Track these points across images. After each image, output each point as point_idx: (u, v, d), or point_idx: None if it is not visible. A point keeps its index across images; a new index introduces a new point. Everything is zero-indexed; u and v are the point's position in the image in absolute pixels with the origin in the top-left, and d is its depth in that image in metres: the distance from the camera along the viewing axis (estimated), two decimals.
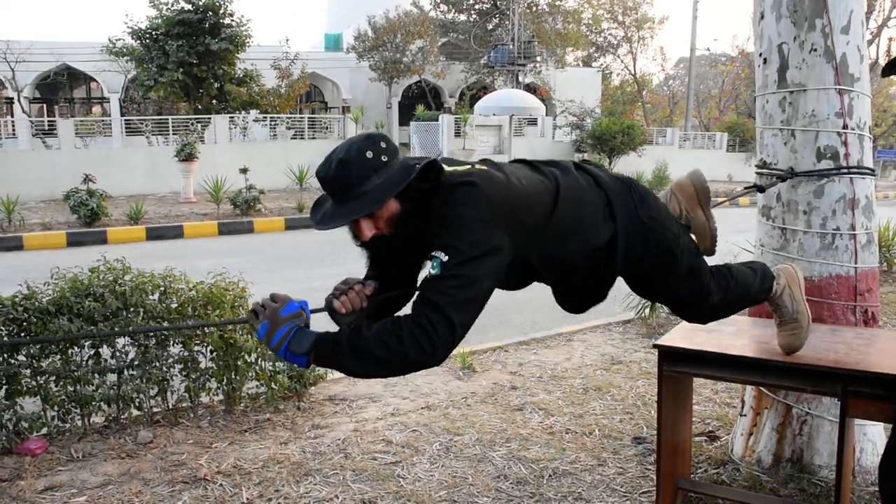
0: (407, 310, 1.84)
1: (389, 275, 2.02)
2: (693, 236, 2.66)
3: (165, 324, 3.95)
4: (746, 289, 2.53)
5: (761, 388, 3.32)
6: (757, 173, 3.40)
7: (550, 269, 2.13)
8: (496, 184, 1.87)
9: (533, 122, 24.19)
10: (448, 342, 1.72)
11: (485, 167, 1.96)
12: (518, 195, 1.91)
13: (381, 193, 1.76)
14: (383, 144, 1.82)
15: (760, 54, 3.29)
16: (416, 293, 1.78)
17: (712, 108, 41.53)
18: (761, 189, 3.28)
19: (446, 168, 1.90)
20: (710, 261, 2.54)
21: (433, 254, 1.76)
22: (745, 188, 3.36)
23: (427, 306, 1.72)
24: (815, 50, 3.06)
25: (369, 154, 1.78)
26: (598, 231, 2.12)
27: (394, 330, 1.71)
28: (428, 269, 1.76)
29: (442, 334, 1.71)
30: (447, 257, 1.73)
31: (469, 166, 1.94)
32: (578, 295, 2.33)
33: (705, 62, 40.54)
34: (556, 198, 2.02)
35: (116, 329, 3.81)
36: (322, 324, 1.95)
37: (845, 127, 3.07)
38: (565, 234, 2.05)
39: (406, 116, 30.66)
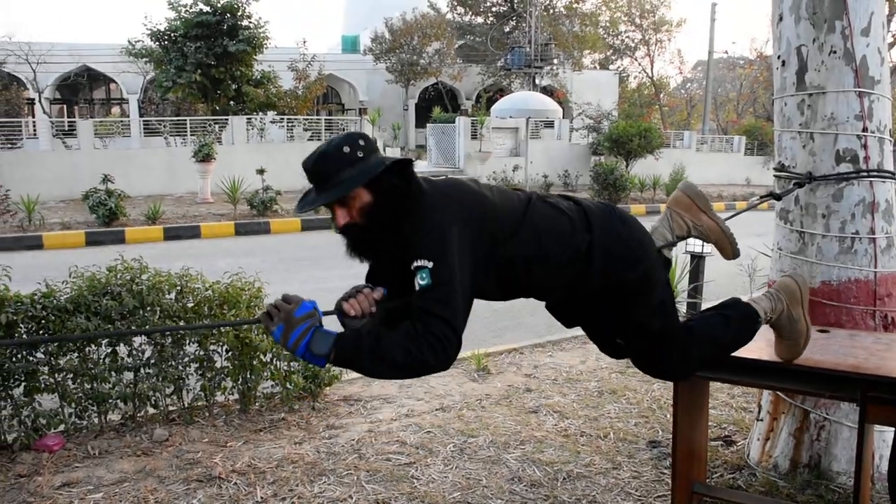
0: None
1: (391, 285, 2.10)
2: (716, 248, 2.65)
3: (182, 323, 3.97)
4: (717, 338, 2.48)
5: (778, 392, 3.30)
6: (775, 176, 3.38)
7: (530, 275, 2.15)
8: (467, 190, 2.06)
9: (550, 124, 24.12)
10: (457, 348, 1.91)
11: (458, 178, 2.16)
12: (489, 201, 2.07)
13: (352, 182, 1.93)
14: (361, 142, 1.98)
15: (779, 56, 3.27)
16: (417, 303, 1.90)
17: (730, 111, 41.31)
18: (777, 197, 3.24)
19: (424, 176, 2.07)
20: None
21: (417, 263, 1.89)
22: (761, 197, 3.33)
23: (434, 318, 1.87)
24: (835, 52, 3.03)
25: (346, 149, 1.95)
26: (574, 238, 2.16)
27: (413, 337, 1.86)
28: (416, 280, 1.89)
29: (453, 343, 1.88)
30: (431, 264, 1.88)
31: (445, 176, 2.09)
32: (566, 310, 2.40)
33: (723, 65, 40.32)
34: (527, 204, 2.17)
35: (133, 328, 3.84)
36: (328, 324, 1.96)
37: (865, 130, 3.04)
38: (540, 234, 2.12)
39: (423, 118, 30.71)
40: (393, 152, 27.75)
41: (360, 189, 1.94)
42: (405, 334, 1.87)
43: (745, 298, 2.61)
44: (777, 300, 2.57)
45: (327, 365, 1.90)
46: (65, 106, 31.99)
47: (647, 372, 2.54)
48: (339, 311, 1.99)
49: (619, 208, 2.36)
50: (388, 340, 1.86)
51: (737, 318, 2.51)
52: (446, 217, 1.94)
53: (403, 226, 1.97)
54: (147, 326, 3.88)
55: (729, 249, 2.63)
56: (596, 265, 2.17)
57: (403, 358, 1.85)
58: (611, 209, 2.32)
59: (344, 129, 20.70)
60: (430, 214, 1.94)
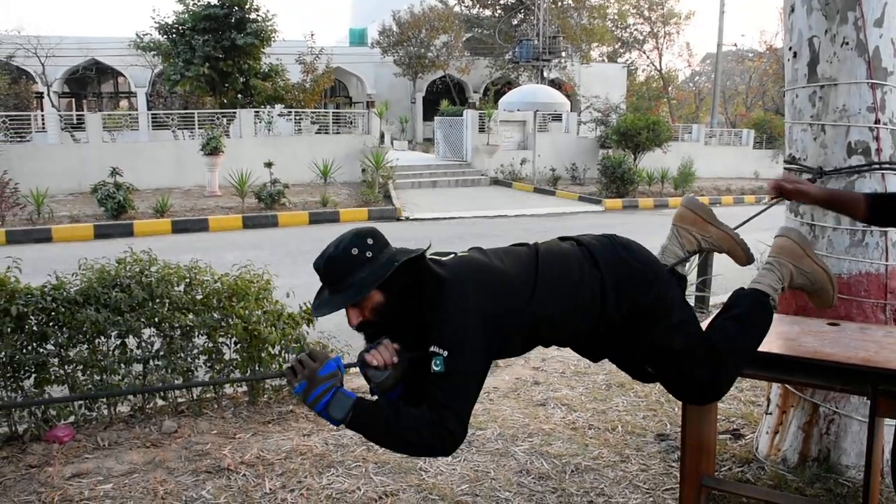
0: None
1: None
2: (729, 256, 2.64)
3: (191, 316, 3.98)
4: (738, 345, 2.41)
5: (787, 386, 3.28)
6: (786, 169, 3.35)
7: (553, 332, 2.18)
8: (482, 271, 2.06)
9: (557, 117, 24.02)
10: (462, 438, 1.98)
11: (467, 253, 2.17)
12: (500, 272, 2.09)
13: (362, 287, 1.95)
14: (370, 241, 2.00)
15: (790, 48, 3.24)
16: (431, 388, 1.95)
17: (739, 104, 41.10)
18: (790, 198, 3.21)
19: (433, 257, 2.10)
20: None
21: (433, 349, 1.93)
22: (771, 198, 3.30)
23: (447, 411, 1.93)
24: (847, 43, 3.01)
25: (354, 251, 1.97)
26: (584, 282, 2.17)
27: (428, 424, 1.93)
28: (432, 364, 1.93)
29: (460, 437, 1.96)
30: (446, 352, 1.92)
31: (453, 255, 2.14)
32: (591, 349, 2.40)
33: (732, 58, 40.08)
34: (535, 260, 2.17)
35: (142, 320, 3.85)
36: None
37: (877, 122, 3.01)
38: (556, 290, 2.13)
39: (430, 111, 30.68)
40: (401, 145, 27.79)
41: (371, 291, 1.97)
42: (421, 420, 1.93)
43: (746, 284, 2.58)
44: (780, 266, 2.56)
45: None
46: (73, 99, 32.06)
47: (684, 399, 2.53)
48: (361, 362, 2.01)
49: (619, 236, 2.36)
50: (407, 421, 1.93)
51: (748, 314, 2.47)
52: (463, 308, 1.96)
53: (423, 313, 2.00)
54: (156, 319, 3.89)
55: (742, 255, 2.63)
56: (610, 300, 2.17)
57: (416, 440, 1.94)
58: (611, 239, 2.32)
59: (352, 123, 20.67)
60: (448, 304, 1.96)
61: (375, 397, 2.05)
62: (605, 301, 2.17)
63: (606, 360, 2.51)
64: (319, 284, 2.07)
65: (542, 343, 2.24)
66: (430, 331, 1.98)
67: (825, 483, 3.13)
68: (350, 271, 1.95)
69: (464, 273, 2.04)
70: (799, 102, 3.22)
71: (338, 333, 4.35)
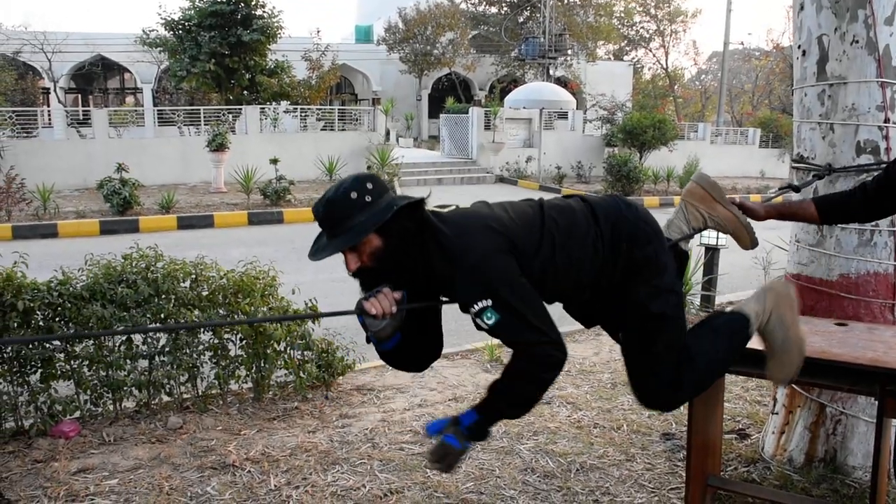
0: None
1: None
2: (733, 238, 2.62)
3: (196, 312, 3.98)
4: (709, 353, 2.32)
5: (794, 385, 3.27)
6: (794, 167, 3.34)
7: (559, 282, 2.17)
8: (486, 219, 2.08)
9: (563, 115, 23.99)
10: (562, 350, 2.01)
11: (469, 206, 2.18)
12: (508, 224, 2.09)
13: (361, 229, 1.95)
14: (369, 185, 2.00)
15: (799, 46, 3.23)
16: (505, 341, 2.05)
17: (745, 103, 40.94)
18: (796, 189, 3.20)
19: (434, 209, 2.11)
20: None
21: (475, 308, 1.95)
22: (780, 188, 3.29)
23: (530, 347, 1.98)
24: (857, 41, 2.99)
25: (353, 195, 1.97)
26: (589, 234, 2.18)
27: (528, 372, 2.00)
28: (482, 322, 1.96)
29: (557, 351, 2.00)
30: (490, 301, 1.94)
31: (455, 206, 2.16)
32: (586, 310, 2.41)
33: (739, 56, 39.98)
34: (541, 213, 2.19)
35: (148, 316, 3.85)
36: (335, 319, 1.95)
37: (887, 121, 2.99)
38: (561, 240, 2.14)
39: (436, 109, 30.66)
40: (406, 142, 27.75)
41: (370, 234, 1.97)
42: (521, 371, 2.00)
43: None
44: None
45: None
46: (79, 95, 32.12)
47: (638, 388, 2.34)
48: (360, 310, 2.01)
49: (625, 197, 2.36)
50: (515, 383, 2.01)
51: (725, 327, 2.37)
52: (478, 257, 1.97)
53: (424, 261, 2.02)
54: (162, 315, 3.89)
55: (746, 239, 2.59)
56: (610, 252, 2.17)
57: (533, 388, 2.02)
58: (615, 197, 2.33)
59: (357, 120, 20.67)
60: (460, 260, 1.97)
61: (385, 345, 2.11)
62: (605, 254, 2.18)
63: (611, 353, 2.50)
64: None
65: (550, 297, 2.22)
66: (453, 290, 2.03)
67: (831, 484, 3.12)
68: (349, 215, 1.96)
69: (468, 223, 2.05)
70: (808, 101, 3.20)
71: (343, 331, 4.35)
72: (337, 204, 1.97)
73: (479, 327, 2.00)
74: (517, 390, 2.02)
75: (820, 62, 3.11)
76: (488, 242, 2.00)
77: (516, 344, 2.01)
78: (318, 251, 2.03)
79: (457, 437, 2.01)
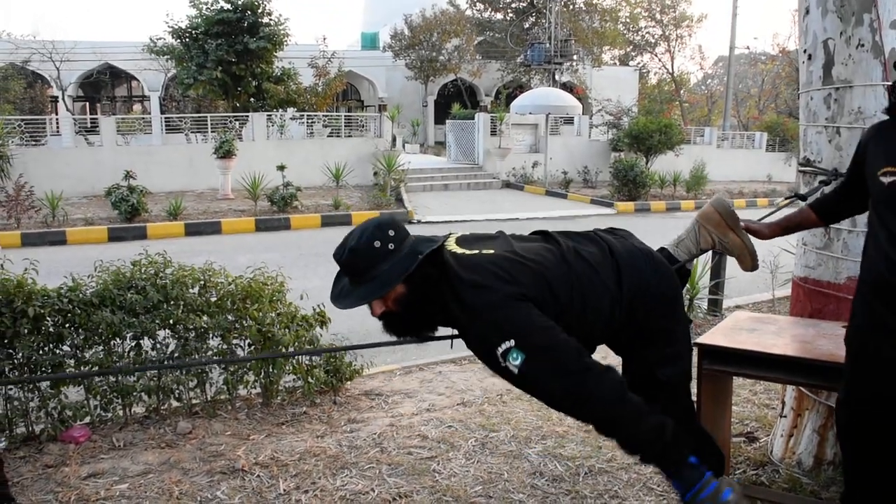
0: None
1: None
2: (736, 260, 2.67)
3: (205, 318, 4.00)
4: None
5: (802, 389, 3.27)
6: (800, 171, 3.35)
7: (569, 330, 2.14)
8: (505, 264, 2.05)
9: (569, 120, 24.02)
10: (604, 374, 1.96)
11: (492, 251, 2.13)
12: (529, 267, 2.07)
13: (387, 281, 1.97)
14: (391, 232, 2.02)
15: (805, 50, 3.24)
16: (546, 388, 1.97)
17: (751, 107, 40.90)
18: (803, 198, 3.20)
19: (457, 251, 2.12)
20: None
21: (500, 350, 1.91)
22: (786, 198, 3.29)
23: (571, 382, 1.92)
24: (863, 45, 2.99)
25: (377, 244, 1.98)
26: (605, 296, 2.17)
27: (596, 413, 1.97)
28: (509, 365, 1.91)
29: (596, 380, 1.94)
30: (513, 342, 1.90)
31: (477, 251, 2.12)
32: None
33: (745, 61, 39.90)
34: (563, 258, 2.16)
35: (157, 322, 3.87)
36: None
37: None
38: (581, 295, 2.13)
39: (442, 115, 30.70)
40: (412, 148, 27.80)
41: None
42: (599, 420, 1.97)
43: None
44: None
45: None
46: (87, 103, 32.31)
47: None
48: None
49: (657, 256, 2.33)
50: (614, 430, 1.99)
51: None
52: (495, 303, 1.96)
53: (451, 312, 2.03)
54: (171, 320, 3.91)
55: (749, 263, 2.67)
56: (623, 315, 2.19)
57: (614, 414, 1.95)
58: (647, 256, 2.29)
59: (364, 126, 20.72)
60: (480, 309, 1.97)
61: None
62: (620, 316, 2.18)
63: (619, 361, 2.51)
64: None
65: None
66: (468, 339, 2.04)
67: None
68: (373, 264, 1.98)
69: (486, 270, 2.03)
70: (814, 105, 3.21)
71: (350, 335, 4.37)
72: (361, 253, 1.99)
73: (508, 375, 1.95)
74: (619, 431, 1.96)
75: (826, 66, 3.12)
76: (504, 292, 1.98)
77: (566, 386, 1.93)
78: (342, 297, 2.05)
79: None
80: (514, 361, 1.89)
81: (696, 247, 2.63)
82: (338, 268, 2.09)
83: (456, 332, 2.16)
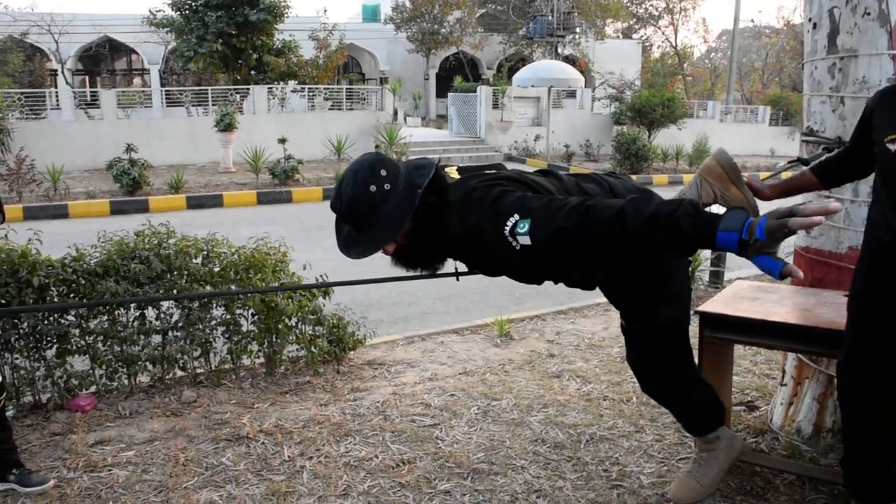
0: None
1: None
2: None
3: (209, 288, 4.02)
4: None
5: (802, 357, 3.29)
6: (803, 141, 3.34)
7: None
8: (507, 183, 2.07)
9: (572, 94, 23.87)
10: (608, 200, 1.88)
11: (493, 171, 2.17)
12: (528, 187, 2.09)
13: (394, 223, 1.95)
14: (383, 172, 1.96)
15: (810, 19, 3.21)
16: (564, 233, 1.83)
17: (755, 81, 40.58)
18: (805, 162, 3.20)
19: (454, 175, 2.13)
20: None
21: (505, 227, 1.87)
22: (789, 162, 3.28)
23: (582, 223, 1.81)
24: (868, 14, 2.97)
25: (373, 188, 1.94)
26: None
27: (604, 227, 1.82)
28: (518, 240, 1.85)
29: (604, 202, 1.85)
30: (517, 215, 1.86)
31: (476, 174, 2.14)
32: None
33: (749, 34, 39.58)
34: (564, 188, 2.20)
35: (161, 291, 3.89)
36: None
37: None
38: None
39: (444, 88, 30.52)
40: (414, 122, 27.66)
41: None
42: (610, 231, 1.81)
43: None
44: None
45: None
46: (87, 77, 32.10)
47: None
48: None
49: (656, 196, 2.31)
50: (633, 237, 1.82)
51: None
52: (497, 192, 1.98)
53: (453, 230, 2.02)
54: (175, 290, 3.93)
55: None
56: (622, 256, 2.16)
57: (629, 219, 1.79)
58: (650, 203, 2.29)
59: (365, 99, 20.62)
60: (479, 207, 1.97)
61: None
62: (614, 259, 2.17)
63: (621, 333, 2.53)
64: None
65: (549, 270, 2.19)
66: (474, 246, 2.02)
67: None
68: (373, 209, 1.95)
69: (484, 185, 2.05)
70: (818, 74, 3.19)
71: (353, 306, 4.39)
72: (359, 201, 1.95)
73: (525, 253, 1.87)
74: (656, 220, 1.76)
75: (831, 35, 3.10)
76: (501, 189, 2.00)
77: (576, 214, 1.81)
78: (354, 247, 2.01)
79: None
80: (523, 230, 1.83)
81: (699, 201, 2.61)
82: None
83: (459, 275, 2.19)
